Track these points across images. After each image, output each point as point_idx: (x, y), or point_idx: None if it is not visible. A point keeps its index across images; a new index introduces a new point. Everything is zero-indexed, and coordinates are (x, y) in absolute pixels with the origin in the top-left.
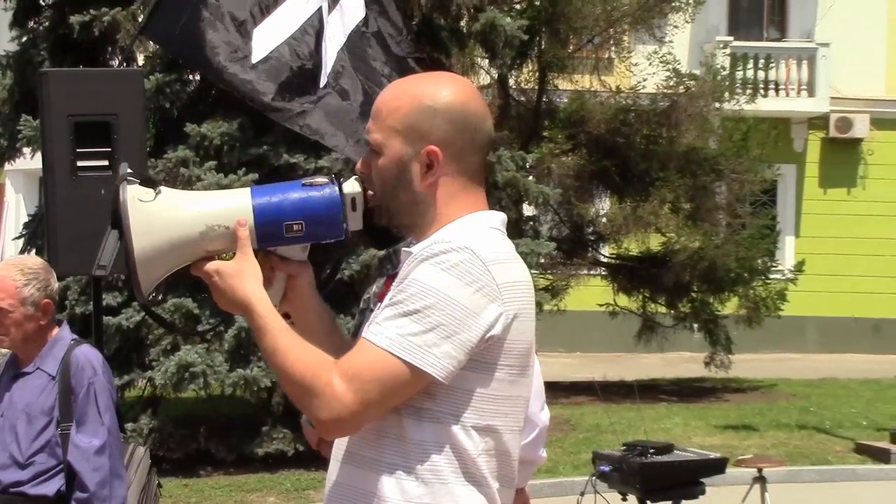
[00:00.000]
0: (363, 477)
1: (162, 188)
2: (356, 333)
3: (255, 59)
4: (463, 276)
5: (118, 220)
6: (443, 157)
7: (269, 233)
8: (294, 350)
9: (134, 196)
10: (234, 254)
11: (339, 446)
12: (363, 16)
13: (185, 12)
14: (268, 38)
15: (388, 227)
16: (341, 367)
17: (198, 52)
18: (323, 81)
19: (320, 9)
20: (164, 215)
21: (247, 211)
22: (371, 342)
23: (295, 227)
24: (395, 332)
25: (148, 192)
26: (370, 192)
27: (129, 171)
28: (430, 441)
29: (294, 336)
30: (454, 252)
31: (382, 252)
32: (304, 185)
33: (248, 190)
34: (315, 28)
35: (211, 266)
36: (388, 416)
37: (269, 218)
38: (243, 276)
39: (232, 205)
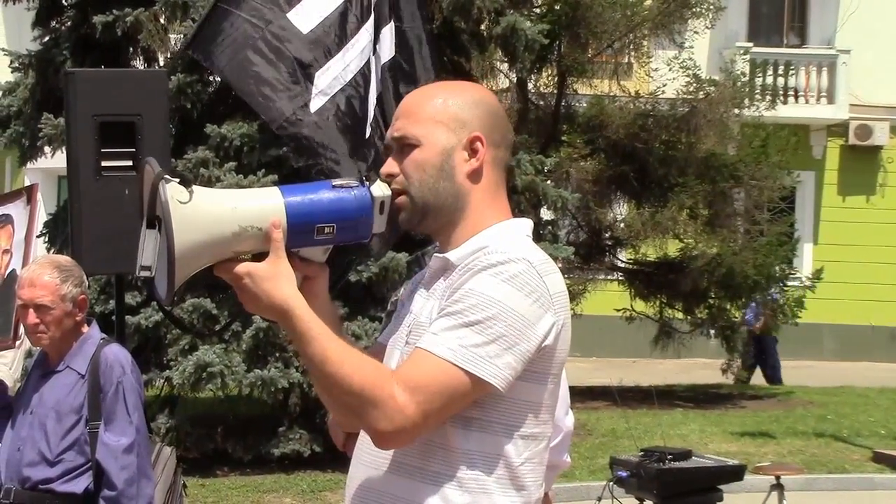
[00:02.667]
0: (404, 485)
1: (195, 187)
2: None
3: (313, 107)
4: (522, 287)
5: (157, 220)
6: (486, 142)
7: (301, 234)
8: (348, 359)
9: (172, 195)
10: (254, 255)
11: (374, 453)
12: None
13: (233, 33)
14: (326, 84)
15: (416, 231)
16: (402, 378)
17: (244, 81)
18: (367, 132)
19: (369, 59)
20: (200, 215)
21: (280, 212)
22: (432, 353)
23: (326, 230)
24: (457, 344)
25: (183, 192)
26: (400, 193)
27: (161, 169)
28: (476, 450)
29: (343, 343)
30: (513, 263)
31: (410, 256)
32: (334, 186)
33: (277, 189)
34: (365, 77)
35: (242, 268)
36: None
37: (301, 219)
38: (279, 280)
39: (265, 205)
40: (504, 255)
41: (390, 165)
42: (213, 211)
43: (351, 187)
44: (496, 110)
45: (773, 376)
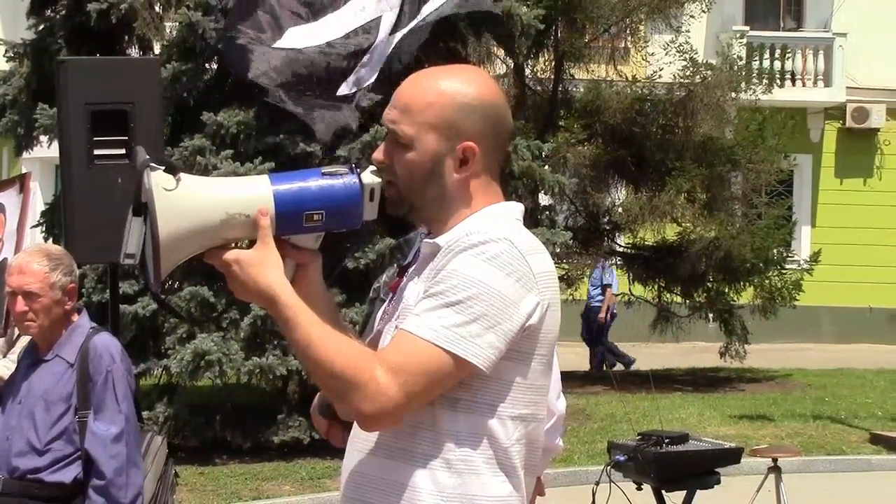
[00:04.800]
0: (394, 468)
1: (182, 174)
2: (366, 323)
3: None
4: (503, 267)
5: (142, 207)
6: (478, 151)
7: (289, 222)
8: (332, 342)
9: (158, 183)
10: (248, 242)
11: (364, 437)
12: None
13: None
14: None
15: (405, 218)
16: (384, 360)
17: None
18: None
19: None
20: (186, 203)
21: (267, 199)
22: (413, 334)
23: (315, 217)
24: (439, 324)
25: (169, 179)
26: (389, 182)
27: (147, 156)
28: (464, 431)
29: (327, 327)
30: (493, 243)
31: (394, 242)
32: (324, 173)
33: (266, 177)
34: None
35: (230, 255)
36: (423, 407)
37: (289, 207)
38: (265, 266)
39: (252, 192)
40: (485, 236)
41: (381, 152)
42: (199, 198)
43: (340, 175)
44: (494, 110)
45: (610, 361)
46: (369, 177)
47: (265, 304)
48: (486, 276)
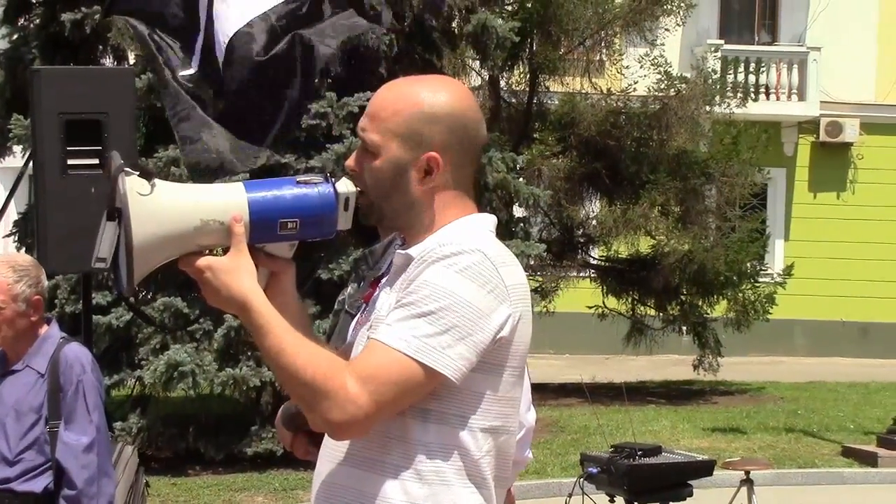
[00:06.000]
0: (364, 478)
1: (156, 180)
2: (331, 335)
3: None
4: (475, 278)
5: (116, 212)
6: (442, 163)
7: (263, 229)
8: (303, 351)
9: (132, 188)
10: (223, 250)
11: (335, 447)
12: None
13: None
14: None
15: (377, 227)
16: (355, 369)
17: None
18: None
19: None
20: (161, 208)
21: (242, 206)
22: (384, 343)
23: (289, 225)
24: (410, 334)
25: (144, 185)
26: (361, 192)
27: (122, 161)
28: (435, 442)
29: (299, 336)
30: (466, 254)
31: (358, 253)
32: (298, 181)
33: (241, 184)
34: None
35: (203, 262)
36: (394, 417)
37: (263, 214)
38: (238, 273)
39: (227, 199)
40: (458, 247)
41: (353, 160)
42: (173, 204)
43: (315, 184)
44: (462, 122)
45: None
46: (344, 186)
47: (237, 311)
48: (458, 287)
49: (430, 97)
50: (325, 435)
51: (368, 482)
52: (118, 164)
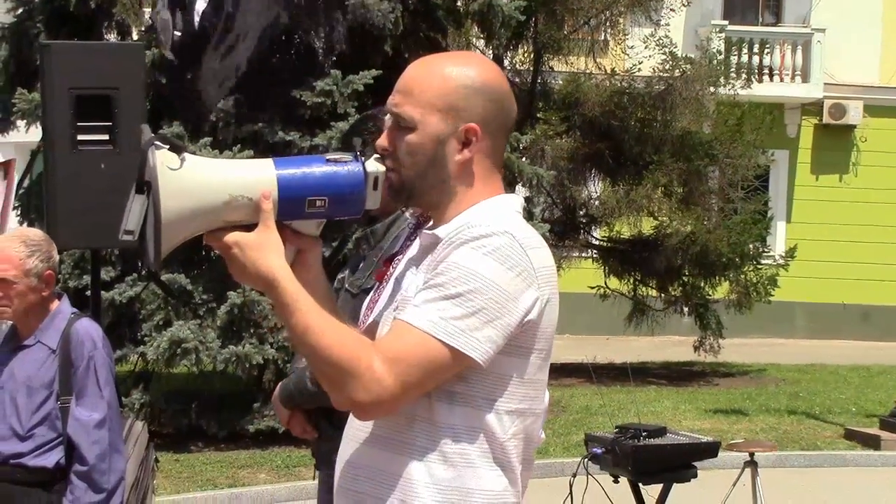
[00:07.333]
0: (389, 459)
1: (186, 154)
2: None
3: None
4: (504, 261)
5: (146, 185)
6: (481, 134)
7: (291, 207)
8: (330, 330)
9: (162, 161)
10: (246, 226)
11: (359, 427)
12: None
13: None
14: None
15: (407, 206)
16: (381, 350)
17: None
18: None
19: None
20: (190, 182)
21: (271, 183)
22: (411, 325)
23: (318, 203)
24: (437, 316)
25: (174, 159)
26: (392, 170)
27: (152, 134)
28: (461, 425)
29: (325, 314)
30: (495, 236)
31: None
32: (328, 160)
33: (270, 161)
34: None
35: (231, 237)
36: (419, 399)
37: (292, 192)
38: (266, 249)
39: (256, 176)
40: (487, 229)
41: (384, 139)
42: (202, 179)
43: (344, 162)
44: (499, 95)
45: None
46: (373, 165)
47: (264, 288)
48: (487, 269)
49: (466, 71)
50: (350, 415)
51: (393, 463)
52: (148, 137)
